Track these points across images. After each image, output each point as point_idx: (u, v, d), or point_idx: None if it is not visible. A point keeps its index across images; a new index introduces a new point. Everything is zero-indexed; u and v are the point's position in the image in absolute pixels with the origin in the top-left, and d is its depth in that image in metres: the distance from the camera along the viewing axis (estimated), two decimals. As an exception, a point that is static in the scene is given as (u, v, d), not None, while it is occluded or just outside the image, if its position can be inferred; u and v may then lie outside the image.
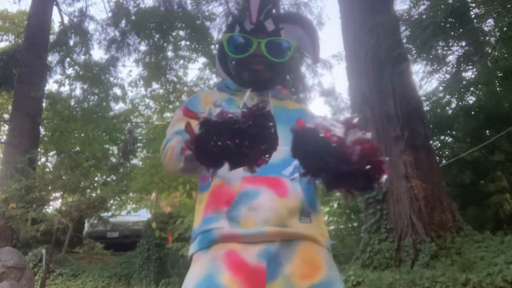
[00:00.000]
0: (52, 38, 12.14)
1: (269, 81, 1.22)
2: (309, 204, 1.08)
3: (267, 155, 0.78)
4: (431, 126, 8.11)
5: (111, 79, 10.87)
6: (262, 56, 1.17)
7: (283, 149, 0.86)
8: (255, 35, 1.18)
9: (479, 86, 8.12)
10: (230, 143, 0.74)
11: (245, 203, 1.03)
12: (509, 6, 4.86)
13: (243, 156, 0.76)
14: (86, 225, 10.02)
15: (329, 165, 0.78)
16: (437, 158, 7.48)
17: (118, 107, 11.19)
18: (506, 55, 7.73)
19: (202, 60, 10.63)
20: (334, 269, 1.07)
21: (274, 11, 1.25)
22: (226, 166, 0.79)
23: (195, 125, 0.78)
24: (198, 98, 1.24)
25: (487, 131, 8.08)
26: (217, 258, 1.01)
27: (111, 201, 8.89)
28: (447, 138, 9.34)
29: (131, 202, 10.69)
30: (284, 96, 1.29)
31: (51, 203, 8.26)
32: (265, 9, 1.19)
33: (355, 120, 0.80)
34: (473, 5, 6.13)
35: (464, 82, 8.03)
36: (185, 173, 1.11)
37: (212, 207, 1.07)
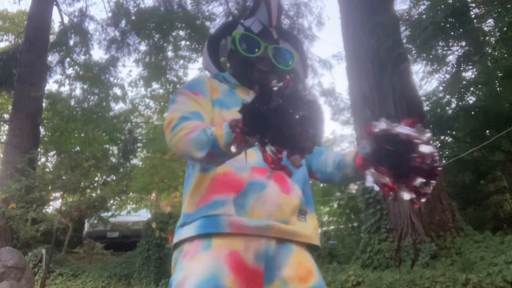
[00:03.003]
0: (52, 38, 12.14)
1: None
2: (305, 204, 1.12)
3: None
4: (431, 126, 8.10)
5: (111, 79, 10.89)
6: (268, 60, 1.19)
7: None
8: (263, 39, 1.20)
9: (479, 86, 8.11)
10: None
11: (253, 194, 1.02)
12: (509, 6, 4.86)
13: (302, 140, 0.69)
14: (86, 225, 10.03)
15: (403, 161, 0.88)
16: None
17: (118, 107, 11.21)
18: (506, 55, 7.73)
19: (202, 60, 10.63)
20: (320, 273, 1.10)
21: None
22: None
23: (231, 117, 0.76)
24: (205, 83, 1.18)
25: (487, 131, 8.07)
26: (220, 258, 0.98)
27: (111, 201, 8.91)
28: (447, 138, 9.34)
29: (131, 202, 10.69)
30: None
31: (51, 203, 8.29)
32: (280, 15, 1.23)
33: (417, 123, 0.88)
34: (473, 5, 6.13)
35: (464, 82, 8.02)
36: (192, 158, 0.99)
37: (217, 193, 1.03)
